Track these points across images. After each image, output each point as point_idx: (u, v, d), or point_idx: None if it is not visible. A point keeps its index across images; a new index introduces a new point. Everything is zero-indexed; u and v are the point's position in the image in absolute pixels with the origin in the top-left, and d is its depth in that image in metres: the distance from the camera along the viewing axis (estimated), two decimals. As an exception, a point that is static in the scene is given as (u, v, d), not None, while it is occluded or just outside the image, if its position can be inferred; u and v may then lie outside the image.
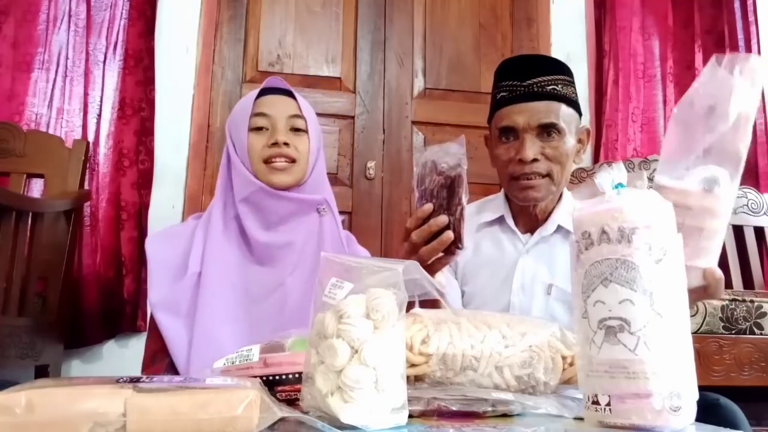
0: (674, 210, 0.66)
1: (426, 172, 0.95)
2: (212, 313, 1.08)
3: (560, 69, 1.19)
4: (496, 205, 1.28)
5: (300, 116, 1.17)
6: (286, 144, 1.13)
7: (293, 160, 1.14)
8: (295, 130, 1.17)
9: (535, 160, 1.14)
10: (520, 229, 1.24)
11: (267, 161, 1.13)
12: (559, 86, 1.16)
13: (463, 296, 1.25)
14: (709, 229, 0.78)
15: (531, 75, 1.16)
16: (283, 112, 1.16)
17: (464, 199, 0.91)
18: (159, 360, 1.09)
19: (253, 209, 1.14)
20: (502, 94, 1.19)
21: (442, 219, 0.91)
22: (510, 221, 1.25)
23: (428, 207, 0.92)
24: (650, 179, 0.78)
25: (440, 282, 1.00)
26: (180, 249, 1.15)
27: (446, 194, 0.92)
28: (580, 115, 1.21)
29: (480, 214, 1.28)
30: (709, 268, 0.80)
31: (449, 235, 0.91)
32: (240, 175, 1.15)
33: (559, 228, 1.20)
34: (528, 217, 1.23)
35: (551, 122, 1.14)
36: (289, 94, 1.20)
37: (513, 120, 1.15)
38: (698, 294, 0.83)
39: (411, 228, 0.93)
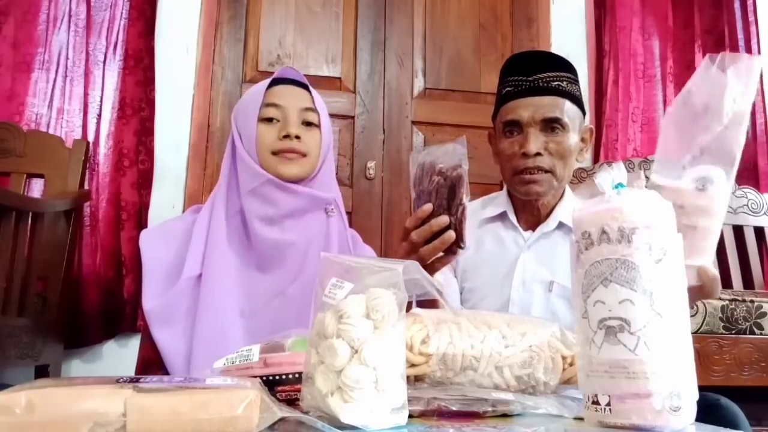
0: None
1: (423, 172, 0.94)
2: (214, 319, 1.04)
3: (565, 67, 1.20)
4: (499, 201, 1.29)
5: (313, 110, 1.12)
6: (297, 137, 1.08)
7: (304, 155, 1.09)
8: (307, 123, 1.11)
9: (538, 154, 1.14)
10: (522, 226, 1.24)
11: (276, 153, 1.08)
12: (564, 83, 1.17)
13: (462, 293, 1.25)
14: (703, 228, 0.78)
15: (537, 71, 1.17)
16: (296, 104, 1.11)
17: (465, 199, 0.91)
18: (151, 372, 1.04)
19: (260, 202, 1.09)
20: (507, 89, 1.19)
21: (443, 219, 0.91)
22: (512, 217, 1.25)
23: (428, 207, 0.92)
24: (648, 177, 0.78)
25: (438, 282, 1.00)
26: (176, 248, 1.10)
27: (447, 194, 0.91)
28: (584, 113, 1.22)
29: (483, 210, 1.28)
30: (703, 267, 0.80)
31: (451, 234, 0.90)
32: (246, 167, 1.09)
33: (561, 224, 1.21)
34: (530, 214, 1.23)
35: (555, 117, 1.14)
36: (302, 85, 1.14)
37: (518, 114, 1.16)
38: (694, 294, 0.82)
39: (410, 228, 0.93)
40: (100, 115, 2.16)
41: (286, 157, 1.08)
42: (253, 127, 1.10)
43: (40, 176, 2.02)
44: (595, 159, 2.51)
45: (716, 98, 0.76)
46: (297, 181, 1.10)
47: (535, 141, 1.14)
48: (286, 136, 1.08)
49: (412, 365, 0.71)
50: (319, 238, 1.12)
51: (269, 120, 1.10)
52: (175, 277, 1.07)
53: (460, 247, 0.92)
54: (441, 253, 0.93)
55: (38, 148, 1.99)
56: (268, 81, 1.13)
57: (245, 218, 1.10)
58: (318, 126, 1.12)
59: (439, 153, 0.93)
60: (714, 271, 0.82)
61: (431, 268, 0.95)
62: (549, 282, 1.17)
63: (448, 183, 0.91)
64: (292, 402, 0.67)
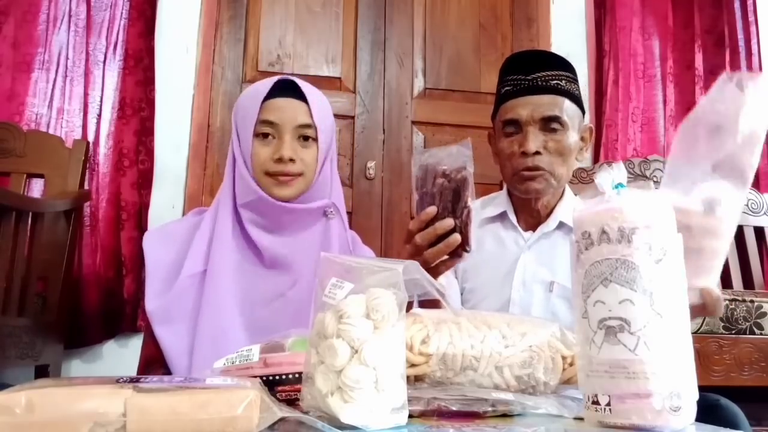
0: None
1: (426, 174, 0.93)
2: (217, 316, 1.05)
3: (564, 65, 1.20)
4: (499, 201, 1.28)
5: (310, 125, 1.08)
6: (292, 160, 1.06)
7: (299, 174, 1.07)
8: (304, 138, 1.08)
9: (537, 153, 1.14)
10: (521, 226, 1.24)
11: (270, 174, 1.07)
12: (563, 82, 1.17)
13: (463, 293, 1.25)
14: (709, 250, 0.77)
15: (535, 69, 1.17)
16: (291, 121, 1.07)
17: (470, 202, 0.90)
18: (153, 370, 1.05)
19: (254, 215, 1.09)
20: (506, 88, 1.19)
21: (448, 222, 0.89)
22: (512, 217, 1.25)
23: (432, 210, 0.90)
24: (656, 182, 0.77)
25: (441, 284, 0.99)
26: (176, 250, 1.11)
27: (451, 197, 0.90)
28: (584, 112, 1.22)
29: (483, 210, 1.28)
30: (706, 288, 0.79)
31: (456, 238, 0.89)
32: (242, 179, 1.09)
33: (561, 224, 1.21)
34: (530, 213, 1.23)
35: (554, 115, 1.14)
36: (300, 95, 1.10)
37: (517, 113, 1.16)
38: (696, 312, 0.82)
39: (414, 230, 0.92)
40: (100, 115, 2.16)
41: (279, 181, 1.07)
42: (249, 142, 1.08)
43: (40, 176, 2.02)
44: (595, 159, 2.51)
45: (732, 116, 0.75)
46: (292, 199, 1.09)
47: (534, 140, 1.14)
48: (280, 159, 1.06)
49: (412, 365, 0.71)
50: (318, 244, 1.12)
51: (265, 135, 1.08)
52: (176, 277, 1.08)
53: (466, 251, 0.91)
54: (446, 257, 0.92)
55: (38, 148, 1.99)
56: (266, 88, 1.09)
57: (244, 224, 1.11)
58: (315, 139, 1.09)
59: (442, 155, 0.92)
60: (718, 291, 0.81)
61: (435, 271, 0.94)
62: (549, 282, 1.17)
63: (453, 185, 0.90)
64: (292, 402, 0.67)
